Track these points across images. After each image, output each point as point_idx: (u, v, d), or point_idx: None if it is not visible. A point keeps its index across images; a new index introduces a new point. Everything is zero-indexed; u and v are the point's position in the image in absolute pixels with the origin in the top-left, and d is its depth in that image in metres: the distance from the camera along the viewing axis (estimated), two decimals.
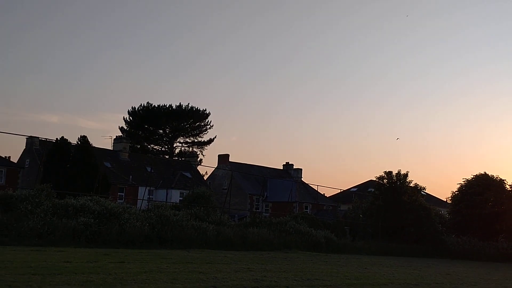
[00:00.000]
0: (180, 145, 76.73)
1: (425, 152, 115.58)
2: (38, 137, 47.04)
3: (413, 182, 43.38)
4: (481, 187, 44.39)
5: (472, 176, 46.18)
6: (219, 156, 64.09)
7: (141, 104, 73.59)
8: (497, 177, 45.65)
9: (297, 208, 53.02)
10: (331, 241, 34.00)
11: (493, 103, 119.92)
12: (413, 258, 33.96)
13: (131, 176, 50.94)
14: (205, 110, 75.01)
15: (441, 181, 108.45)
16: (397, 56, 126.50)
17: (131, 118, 73.95)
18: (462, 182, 46.46)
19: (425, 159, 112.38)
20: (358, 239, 38.22)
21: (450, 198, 47.81)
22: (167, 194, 51.93)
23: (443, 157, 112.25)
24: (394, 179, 43.29)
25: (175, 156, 74.67)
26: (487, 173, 45.87)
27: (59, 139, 36.94)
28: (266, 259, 23.03)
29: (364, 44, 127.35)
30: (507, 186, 45.00)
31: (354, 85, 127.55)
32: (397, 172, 43.54)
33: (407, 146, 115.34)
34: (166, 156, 73.50)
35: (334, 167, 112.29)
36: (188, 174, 57.28)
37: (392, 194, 42.19)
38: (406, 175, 43.32)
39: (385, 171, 43.78)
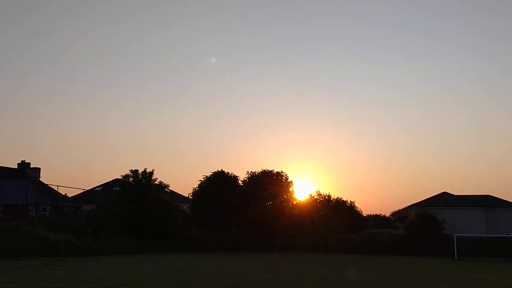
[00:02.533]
0: None
1: (171, 150, 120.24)
2: None
3: (158, 180, 44.68)
4: (218, 183, 48.70)
5: (211, 173, 50.25)
6: None
7: None
8: (231, 174, 50.74)
9: (34, 211, 48.66)
10: (72, 244, 32.38)
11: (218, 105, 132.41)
12: (157, 255, 34.98)
13: None
14: None
15: (185, 178, 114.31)
16: (145, 53, 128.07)
17: None
18: (202, 179, 50.10)
19: (171, 156, 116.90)
20: (102, 240, 37.34)
21: (191, 194, 50.85)
22: None
23: (189, 155, 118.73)
24: (139, 177, 43.77)
25: None
26: (223, 170, 50.57)
27: None
28: None
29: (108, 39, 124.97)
30: (240, 182, 50.44)
31: (94, 80, 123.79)
32: (142, 170, 44.17)
33: (154, 144, 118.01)
34: None
35: (77, 166, 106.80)
36: None
37: (137, 192, 42.59)
38: (151, 173, 44.28)
39: (131, 170, 43.95)
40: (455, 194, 52.47)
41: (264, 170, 49.57)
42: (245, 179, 50.17)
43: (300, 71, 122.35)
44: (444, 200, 50.47)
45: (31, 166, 58.22)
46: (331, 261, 30.76)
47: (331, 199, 47.50)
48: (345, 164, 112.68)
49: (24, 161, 59.18)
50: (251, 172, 50.10)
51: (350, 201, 47.90)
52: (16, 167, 58.41)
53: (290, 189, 49.01)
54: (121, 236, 38.77)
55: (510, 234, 44.87)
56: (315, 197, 47.87)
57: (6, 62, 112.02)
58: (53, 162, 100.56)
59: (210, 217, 46.57)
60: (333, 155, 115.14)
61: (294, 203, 48.73)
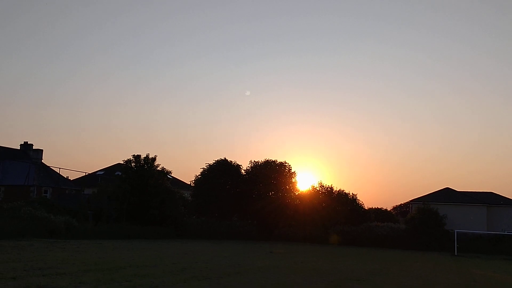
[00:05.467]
0: None
1: (176, 138, 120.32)
2: None
3: (160, 166, 44.64)
4: (221, 172, 48.68)
5: (214, 161, 50.23)
6: None
7: None
8: (234, 163, 50.71)
9: (35, 193, 48.80)
10: (72, 226, 32.47)
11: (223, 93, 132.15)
12: (157, 240, 35.05)
13: None
14: None
15: (188, 165, 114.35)
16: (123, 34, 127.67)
17: None
18: (205, 167, 50.09)
19: (176, 144, 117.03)
20: (102, 224, 37.43)
21: (193, 181, 50.84)
22: None
23: (194, 144, 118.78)
24: (142, 163, 43.73)
25: None
26: (226, 158, 50.53)
27: None
28: None
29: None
30: (243, 171, 50.42)
31: (102, 65, 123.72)
32: (145, 156, 44.11)
33: (159, 131, 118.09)
34: None
35: (80, 149, 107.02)
36: None
37: (139, 177, 42.58)
38: (154, 159, 44.23)
39: (134, 155, 43.89)
40: (458, 190, 52.33)
41: (267, 160, 49.46)
42: (248, 168, 50.08)
43: (304, 65, 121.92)
44: (446, 195, 50.35)
45: (33, 148, 58.36)
46: (330, 252, 30.76)
47: (333, 191, 47.43)
48: (348, 157, 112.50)
49: (27, 142, 59.31)
50: (254, 161, 50.00)
51: (352, 193, 47.88)
52: (19, 148, 58.56)
53: (293, 179, 48.95)
54: (121, 221, 38.87)
55: (510, 232, 44.76)
56: (318, 189, 47.80)
57: (20, 44, 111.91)
58: (56, 144, 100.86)
59: (212, 205, 46.60)
60: (336, 148, 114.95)
61: (296, 193, 48.71)
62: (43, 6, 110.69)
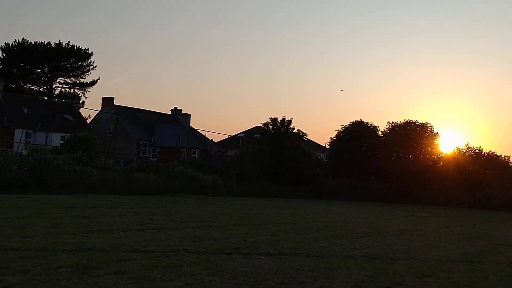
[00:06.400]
0: (61, 85, 71.98)
1: (307, 100, 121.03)
2: None
3: (296, 129, 45.48)
4: (357, 133, 47.97)
5: (349, 123, 49.58)
6: (103, 99, 61.36)
7: (16, 40, 67.35)
8: (371, 125, 49.53)
9: (185, 153, 53.20)
10: (218, 185, 34.88)
11: (365, 54, 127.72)
12: (294, 200, 36.14)
13: (6, 118, 46.97)
14: (88, 49, 70.64)
15: (321, 127, 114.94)
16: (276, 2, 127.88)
17: (4, 55, 67.41)
18: (340, 129, 49.77)
19: (307, 106, 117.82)
20: (244, 183, 39.59)
21: (328, 143, 51.01)
22: (46, 137, 48.93)
23: (324, 105, 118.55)
24: (278, 126, 44.95)
25: (55, 97, 70.04)
26: (362, 120, 49.54)
27: None
28: (153, 203, 23.09)
29: None
30: (380, 133, 49.07)
31: (238, 32, 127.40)
32: (281, 119, 45.24)
33: (290, 93, 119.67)
34: (45, 97, 68.59)
35: (222, 113, 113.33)
36: (69, 117, 54.25)
37: (276, 139, 43.91)
38: (290, 121, 45.20)
39: (271, 118, 45.25)
40: None
41: (407, 121, 47.35)
42: (385, 130, 48.58)
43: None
44: None
45: (182, 112, 63.22)
46: (478, 216, 28.91)
47: (482, 153, 44.02)
48: (507, 107, 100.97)
49: (177, 107, 64.38)
50: (393, 123, 48.24)
51: (505, 155, 44.09)
52: (170, 113, 63.85)
53: (435, 141, 46.36)
54: (261, 180, 40.66)
55: None
56: (464, 151, 44.76)
57: (164, 14, 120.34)
58: (202, 109, 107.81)
59: (347, 166, 46.38)
60: (494, 96, 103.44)
61: (439, 156, 46.19)
62: None
